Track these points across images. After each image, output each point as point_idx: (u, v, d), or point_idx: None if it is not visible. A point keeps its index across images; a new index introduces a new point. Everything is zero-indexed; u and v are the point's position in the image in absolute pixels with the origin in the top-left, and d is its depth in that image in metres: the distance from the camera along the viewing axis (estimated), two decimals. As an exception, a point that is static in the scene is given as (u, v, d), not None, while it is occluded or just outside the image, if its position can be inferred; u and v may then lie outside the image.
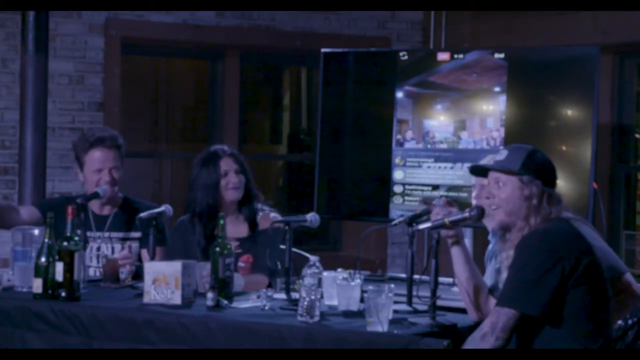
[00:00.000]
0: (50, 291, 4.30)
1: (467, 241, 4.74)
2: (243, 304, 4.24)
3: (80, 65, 6.88)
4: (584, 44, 6.19)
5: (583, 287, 3.61)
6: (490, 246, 4.50)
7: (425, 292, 4.01)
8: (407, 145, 5.96)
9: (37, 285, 4.32)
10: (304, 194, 7.54)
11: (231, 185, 5.00)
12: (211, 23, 7.19)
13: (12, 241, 4.66)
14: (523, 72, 5.73)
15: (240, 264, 4.94)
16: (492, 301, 3.84)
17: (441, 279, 4.10)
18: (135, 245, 5.04)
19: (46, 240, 4.34)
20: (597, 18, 6.68)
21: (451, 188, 5.80)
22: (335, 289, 4.14)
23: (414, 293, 4.18)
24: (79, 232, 4.50)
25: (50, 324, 4.20)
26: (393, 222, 4.45)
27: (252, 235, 5.03)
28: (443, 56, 5.90)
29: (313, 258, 4.16)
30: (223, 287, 4.31)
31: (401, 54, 6.01)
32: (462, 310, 4.06)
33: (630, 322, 4.25)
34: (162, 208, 4.84)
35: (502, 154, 3.83)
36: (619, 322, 4.17)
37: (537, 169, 3.76)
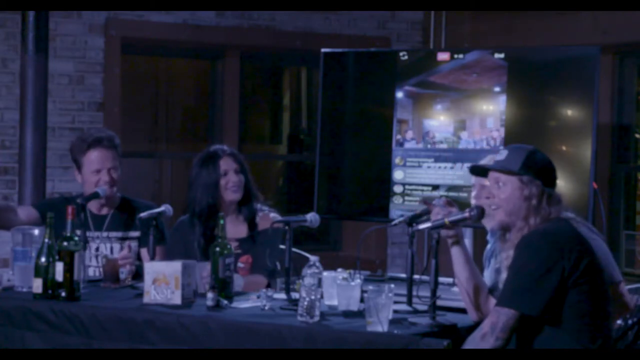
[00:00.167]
0: (50, 291, 4.30)
1: (467, 241, 4.74)
2: (243, 304, 4.24)
3: (80, 65, 6.88)
4: (584, 44, 6.19)
5: (583, 287, 3.61)
6: (488, 246, 4.50)
7: (425, 292, 4.01)
8: (407, 145, 5.96)
9: (37, 285, 4.32)
10: (304, 194, 7.54)
11: (231, 184, 5.00)
12: (211, 23, 7.19)
13: (12, 241, 4.66)
14: (523, 72, 5.73)
15: (240, 265, 4.94)
16: (492, 301, 3.84)
17: (441, 279, 4.10)
18: (134, 244, 5.05)
19: (46, 240, 4.34)
20: (597, 18, 6.68)
21: (451, 188, 5.80)
22: (335, 289, 4.14)
23: (414, 293, 4.18)
24: (78, 232, 4.50)
25: (50, 324, 4.20)
26: (393, 222, 4.45)
27: (251, 236, 5.03)
28: (443, 56, 5.90)
29: (313, 258, 4.16)
30: (223, 287, 4.31)
31: (401, 54, 6.01)
32: (462, 310, 4.06)
33: (630, 322, 4.26)
34: (162, 208, 4.84)
35: (502, 154, 3.83)
36: (619, 322, 4.17)
37: (537, 169, 3.76)
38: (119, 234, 5.08)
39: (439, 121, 5.91)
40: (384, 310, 3.75)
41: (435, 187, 5.86)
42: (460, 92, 5.83)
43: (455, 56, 5.85)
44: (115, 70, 6.94)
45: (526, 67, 5.75)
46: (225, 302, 4.17)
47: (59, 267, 4.27)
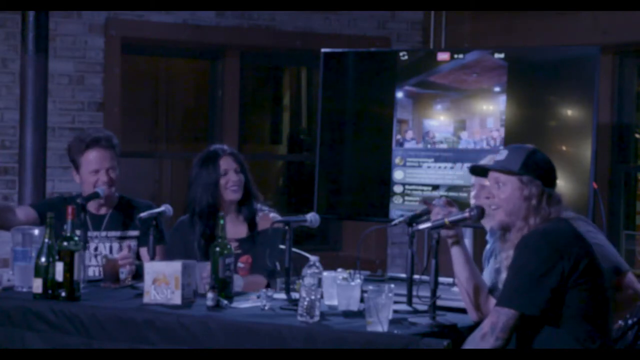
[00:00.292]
0: (50, 291, 4.30)
1: (467, 241, 4.74)
2: (243, 304, 4.24)
3: (80, 65, 6.88)
4: (584, 44, 6.19)
5: (582, 288, 3.61)
6: (488, 246, 4.50)
7: (425, 292, 4.01)
8: (407, 145, 5.96)
9: (37, 285, 4.32)
10: (304, 194, 7.54)
11: (231, 184, 4.99)
12: (211, 23, 7.19)
13: (12, 241, 4.66)
14: (523, 72, 5.73)
15: (240, 265, 4.93)
16: (492, 301, 3.84)
17: (441, 279, 4.10)
18: (133, 244, 5.05)
19: (46, 240, 4.34)
20: (597, 18, 6.67)
21: (451, 188, 5.80)
22: (335, 289, 4.14)
23: (414, 293, 4.18)
24: (78, 232, 4.50)
25: (50, 324, 4.20)
26: (393, 222, 4.45)
27: (251, 236, 5.03)
28: (443, 56, 5.90)
29: (313, 258, 4.16)
30: (223, 287, 4.31)
31: (401, 54, 6.01)
32: (462, 310, 4.06)
33: (630, 322, 4.25)
34: (162, 208, 4.84)
35: (502, 154, 3.83)
36: (619, 322, 4.17)
37: (537, 169, 3.76)
38: (118, 234, 5.08)
39: (439, 121, 5.91)
40: (384, 310, 3.75)
41: (435, 187, 5.86)
42: (460, 92, 5.83)
43: (455, 56, 5.85)
44: (115, 70, 6.94)
45: (526, 67, 5.75)
46: (225, 302, 4.17)
47: (59, 267, 4.27)
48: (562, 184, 4.67)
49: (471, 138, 5.80)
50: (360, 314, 3.95)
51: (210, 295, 4.14)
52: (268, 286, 4.79)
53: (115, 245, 5.06)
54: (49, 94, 6.27)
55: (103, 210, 5.11)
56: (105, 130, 5.37)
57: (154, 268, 4.26)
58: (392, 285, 3.88)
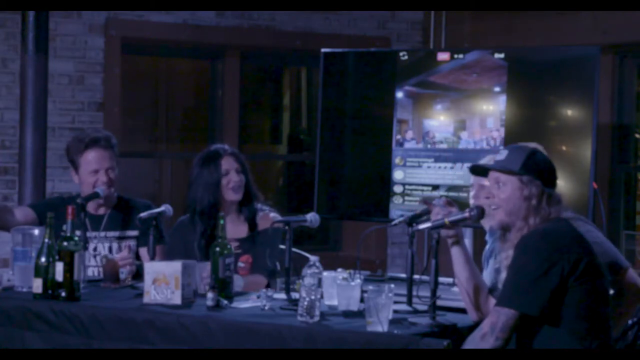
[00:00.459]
0: (50, 291, 4.30)
1: (467, 241, 4.74)
2: (243, 304, 4.24)
3: (80, 65, 6.88)
4: (584, 44, 6.19)
5: (582, 287, 3.61)
6: (487, 246, 4.50)
7: (425, 292, 4.01)
8: (407, 145, 5.96)
9: (37, 285, 4.32)
10: (304, 194, 7.54)
11: (232, 184, 4.99)
12: (211, 23, 7.19)
13: (12, 241, 4.66)
14: (523, 72, 5.73)
15: (240, 264, 4.93)
16: (492, 301, 3.84)
17: (441, 279, 4.10)
18: (133, 244, 5.04)
19: (46, 240, 4.34)
20: (597, 18, 6.67)
21: (451, 188, 5.80)
22: (335, 289, 4.14)
23: (414, 293, 4.18)
24: (78, 232, 4.49)
25: (50, 324, 4.20)
26: (393, 222, 4.45)
27: (251, 236, 5.03)
28: (443, 56, 5.90)
29: (313, 258, 4.16)
30: (223, 287, 4.31)
31: (401, 54, 6.01)
32: (462, 310, 4.06)
33: (630, 322, 4.26)
34: (162, 208, 4.84)
35: (503, 154, 3.83)
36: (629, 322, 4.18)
37: (537, 169, 3.76)
38: (117, 234, 5.08)
39: (439, 121, 5.91)
40: (384, 310, 3.75)
41: (435, 187, 5.86)
42: (460, 92, 5.83)
43: (455, 56, 5.85)
44: (115, 70, 6.94)
45: (526, 67, 5.75)
46: (225, 302, 4.17)
47: (59, 267, 4.27)
48: (562, 184, 4.67)
49: (471, 138, 5.80)
50: (360, 314, 3.95)
51: (210, 295, 4.14)
52: (268, 286, 4.79)
53: (115, 246, 5.06)
54: (49, 94, 6.27)
55: (102, 211, 5.11)
56: (104, 130, 5.37)
57: (154, 268, 4.26)
58: (392, 285, 3.88)
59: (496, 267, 3.95)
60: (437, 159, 5.87)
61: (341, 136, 6.17)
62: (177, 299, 4.20)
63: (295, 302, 4.04)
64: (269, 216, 5.04)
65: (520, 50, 6.20)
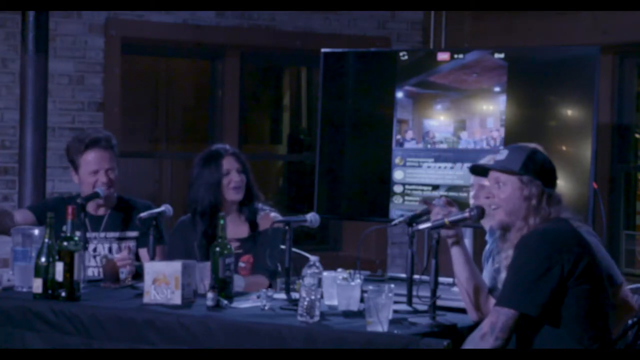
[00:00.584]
0: (50, 291, 4.30)
1: (467, 241, 4.74)
2: (243, 304, 4.24)
3: (80, 65, 6.88)
4: (584, 44, 6.19)
5: (582, 287, 3.61)
6: (487, 246, 4.50)
7: (425, 292, 4.01)
8: (407, 145, 5.96)
9: (37, 285, 4.32)
10: (304, 194, 7.54)
11: (233, 184, 4.98)
12: (211, 23, 7.19)
13: (12, 241, 4.66)
14: (523, 72, 5.73)
15: (241, 264, 4.93)
16: (492, 301, 3.84)
17: (441, 279, 4.10)
18: (133, 244, 5.04)
19: (46, 240, 4.34)
20: (597, 18, 6.67)
21: (451, 188, 5.80)
22: (335, 289, 4.14)
23: (414, 293, 4.18)
24: (78, 233, 4.49)
25: (50, 324, 4.20)
26: (393, 222, 4.45)
27: (252, 236, 5.03)
28: (443, 56, 5.90)
29: (313, 258, 4.16)
30: (223, 287, 4.31)
31: (401, 54, 6.01)
32: (462, 310, 4.06)
33: (630, 322, 4.25)
34: (162, 208, 4.84)
35: (503, 154, 3.83)
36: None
37: (537, 169, 3.76)
38: (117, 234, 5.07)
39: (439, 121, 5.91)
40: (384, 310, 3.75)
41: (435, 187, 5.86)
42: (460, 92, 5.83)
43: (455, 56, 5.85)
44: (115, 70, 6.94)
45: (526, 67, 5.75)
46: (225, 302, 4.17)
47: (59, 267, 4.27)
48: (562, 184, 4.67)
49: (471, 138, 5.80)
50: (360, 314, 3.95)
51: (210, 295, 4.14)
52: (270, 287, 4.79)
53: (114, 246, 5.05)
54: (49, 94, 6.27)
55: (102, 211, 5.11)
56: (104, 130, 5.37)
57: (154, 268, 4.26)
58: (392, 285, 3.88)
59: (496, 267, 3.95)
60: (437, 159, 5.87)
61: (341, 136, 6.17)
62: (177, 299, 4.20)
63: (295, 302, 4.04)
64: (269, 216, 5.04)
65: (520, 50, 6.20)
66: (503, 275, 3.77)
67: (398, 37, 7.66)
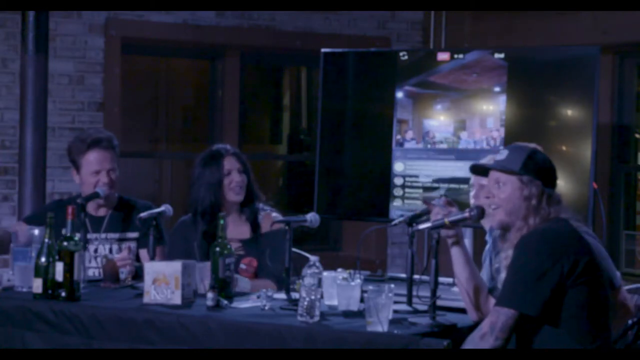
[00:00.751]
0: (50, 291, 4.30)
1: (467, 241, 4.74)
2: (243, 304, 4.24)
3: (80, 65, 6.88)
4: (584, 44, 6.19)
5: (582, 287, 3.61)
6: (487, 246, 4.50)
7: (425, 292, 4.01)
8: (407, 145, 5.96)
9: (37, 285, 4.32)
10: (304, 194, 7.54)
11: (234, 184, 4.98)
12: (211, 23, 7.19)
13: (12, 241, 4.66)
14: (523, 72, 5.73)
15: (242, 266, 4.91)
16: (492, 301, 3.84)
17: (441, 279, 4.10)
18: (133, 245, 5.04)
19: (46, 240, 4.34)
20: (597, 18, 6.68)
21: (452, 180, 5.79)
22: (335, 289, 4.14)
23: (414, 293, 4.18)
24: (78, 235, 4.49)
25: (50, 324, 4.20)
26: (393, 222, 4.45)
27: (255, 238, 5.01)
28: (443, 56, 5.90)
29: (313, 258, 4.16)
30: (223, 287, 4.31)
31: (401, 54, 6.01)
32: (462, 310, 4.06)
33: (630, 322, 4.25)
34: (162, 208, 4.83)
35: (503, 154, 3.83)
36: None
37: (537, 169, 3.76)
38: (117, 235, 5.07)
39: (439, 121, 5.91)
40: (384, 310, 3.75)
41: (436, 188, 5.86)
42: (460, 92, 5.83)
43: (455, 56, 5.85)
44: (115, 70, 6.94)
45: (526, 67, 5.75)
46: (225, 302, 4.17)
47: (59, 267, 4.27)
48: (562, 184, 4.67)
49: (471, 138, 5.80)
50: (360, 314, 3.95)
51: (210, 295, 4.14)
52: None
53: (115, 247, 5.05)
54: (49, 94, 6.27)
55: (102, 212, 5.10)
56: (105, 130, 5.36)
57: (154, 268, 4.26)
58: (392, 285, 3.88)
59: (496, 267, 3.95)
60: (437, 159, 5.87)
61: (341, 136, 6.17)
62: (177, 299, 4.20)
63: (295, 302, 4.04)
64: (270, 216, 5.03)
65: (520, 50, 6.20)
66: (503, 275, 3.77)
67: (398, 37, 7.66)
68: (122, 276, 4.69)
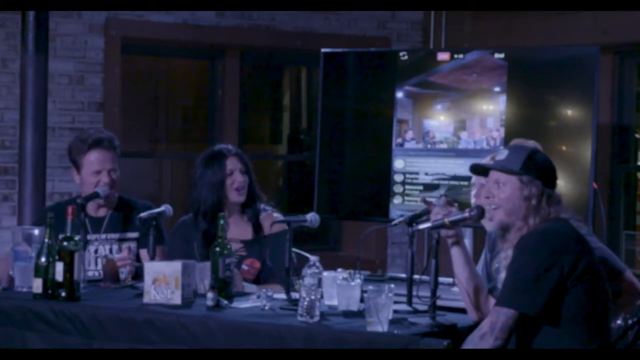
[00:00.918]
0: (50, 291, 4.30)
1: (467, 241, 4.74)
2: (243, 304, 4.24)
3: (80, 65, 6.88)
4: (584, 44, 6.19)
5: (582, 287, 3.61)
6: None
7: (425, 292, 4.01)
8: (407, 145, 5.96)
9: (37, 285, 4.32)
10: (304, 194, 7.54)
11: (237, 185, 4.97)
12: (211, 23, 7.19)
13: (12, 241, 4.66)
14: (523, 72, 5.73)
15: (244, 267, 4.91)
16: (492, 301, 3.84)
17: (441, 279, 4.10)
18: (134, 245, 5.04)
19: (46, 240, 4.34)
20: (597, 18, 6.68)
21: (452, 186, 5.79)
22: (335, 289, 4.14)
23: (414, 293, 4.18)
24: (78, 236, 4.49)
25: (50, 324, 4.20)
26: (393, 222, 4.45)
27: (257, 239, 5.00)
28: (443, 56, 5.90)
29: (313, 258, 4.16)
30: (223, 287, 4.31)
31: (401, 54, 6.01)
32: (462, 310, 4.06)
33: (630, 322, 4.26)
34: (162, 208, 4.83)
35: (503, 154, 3.83)
36: (619, 322, 4.17)
37: (537, 169, 3.76)
38: (117, 236, 5.07)
39: (439, 121, 5.91)
40: (384, 310, 3.75)
41: (436, 187, 5.86)
42: (460, 92, 5.83)
43: (455, 56, 5.85)
44: (115, 70, 6.94)
45: (526, 67, 5.75)
46: (225, 302, 4.17)
47: (59, 267, 4.27)
48: (562, 184, 4.67)
49: (471, 138, 5.80)
50: (360, 314, 3.95)
51: (210, 295, 4.14)
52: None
53: (115, 247, 5.05)
54: (49, 94, 6.27)
55: (102, 212, 5.10)
56: (106, 130, 5.36)
57: (154, 268, 4.26)
58: (392, 285, 3.88)
59: (496, 267, 3.95)
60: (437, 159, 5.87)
61: (341, 136, 6.17)
62: (177, 299, 4.20)
63: (295, 302, 4.04)
64: (272, 216, 5.02)
65: (520, 50, 6.20)
66: (503, 275, 3.77)
67: (398, 37, 7.66)
68: (122, 276, 4.69)
